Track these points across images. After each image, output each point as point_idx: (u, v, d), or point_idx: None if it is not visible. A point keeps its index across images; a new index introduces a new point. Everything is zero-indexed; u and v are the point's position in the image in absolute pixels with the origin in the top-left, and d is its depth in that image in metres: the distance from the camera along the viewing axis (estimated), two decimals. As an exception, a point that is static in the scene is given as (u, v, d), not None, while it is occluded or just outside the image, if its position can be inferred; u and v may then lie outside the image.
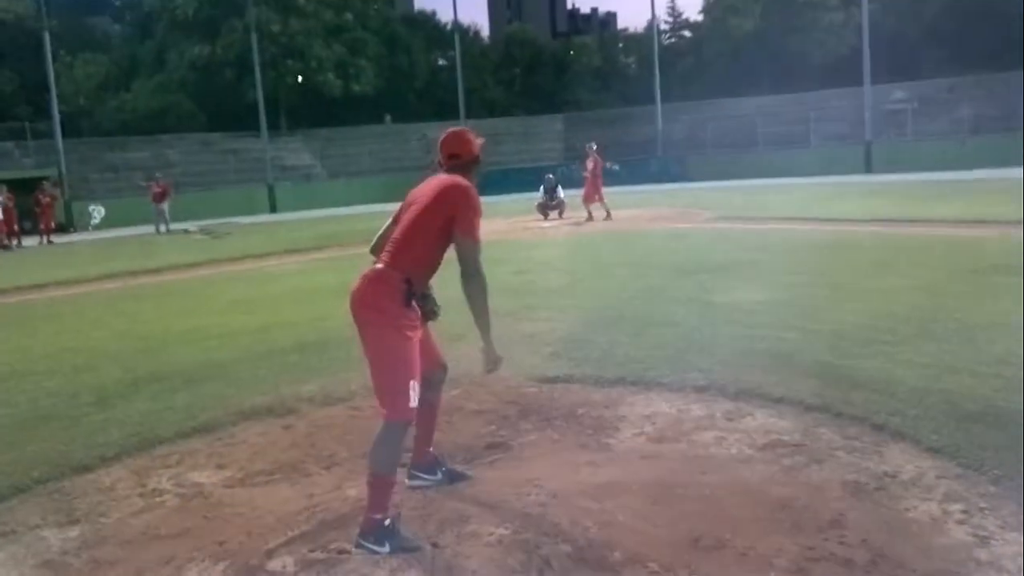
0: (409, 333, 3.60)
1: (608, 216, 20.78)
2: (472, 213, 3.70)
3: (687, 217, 20.51)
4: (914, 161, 34.87)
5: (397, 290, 3.58)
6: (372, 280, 3.64)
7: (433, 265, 3.76)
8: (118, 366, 7.51)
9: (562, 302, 9.43)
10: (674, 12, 70.64)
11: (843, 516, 3.61)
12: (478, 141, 4.02)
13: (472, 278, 3.68)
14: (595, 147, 21.67)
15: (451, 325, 7.28)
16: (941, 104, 40.46)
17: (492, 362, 3.90)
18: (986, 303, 7.84)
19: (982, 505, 3.65)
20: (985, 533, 3.40)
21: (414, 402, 3.57)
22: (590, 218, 20.93)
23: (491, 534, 3.61)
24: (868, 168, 37.56)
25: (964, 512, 3.60)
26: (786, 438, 4.62)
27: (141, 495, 4.41)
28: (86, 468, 4.81)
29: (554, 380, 6.09)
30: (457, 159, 3.95)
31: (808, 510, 3.69)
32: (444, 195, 3.74)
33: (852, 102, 41.33)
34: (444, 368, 4.18)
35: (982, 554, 3.24)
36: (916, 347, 6.33)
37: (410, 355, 3.59)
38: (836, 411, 4.94)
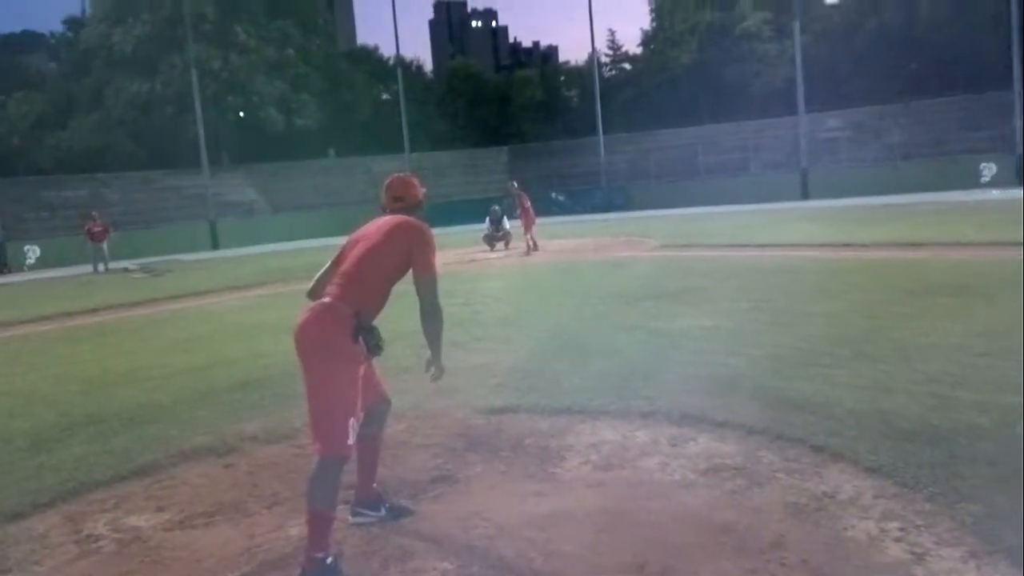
0: (354, 369, 3.58)
1: (530, 250, 21.12)
2: (428, 250, 3.78)
3: (631, 246, 20.73)
4: (849, 187, 35.80)
5: (346, 324, 3.56)
6: (321, 313, 3.62)
7: (382, 300, 3.79)
8: (53, 410, 7.31)
9: (508, 333, 9.44)
10: (614, 45, 71.63)
11: (784, 537, 3.65)
12: (422, 188, 4.15)
13: (431, 313, 3.75)
14: (516, 184, 23.05)
15: (397, 359, 7.31)
16: (872, 131, 41.71)
17: (437, 371, 3.95)
18: (922, 324, 8.03)
19: (918, 522, 3.72)
20: (921, 550, 3.47)
21: (351, 439, 3.54)
22: (535, 248, 21.12)
23: (435, 569, 3.58)
24: (805, 194, 38.45)
25: (901, 530, 3.66)
26: (728, 462, 4.67)
27: (76, 542, 4.28)
28: (18, 515, 4.67)
29: (501, 411, 6.08)
30: (401, 202, 4.04)
31: (750, 533, 3.73)
32: (399, 231, 3.79)
33: (788, 131, 42.41)
34: (387, 402, 4.16)
35: (919, 571, 3.30)
36: (853, 369, 6.46)
37: (351, 391, 3.57)
38: (777, 434, 5.01)
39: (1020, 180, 33.29)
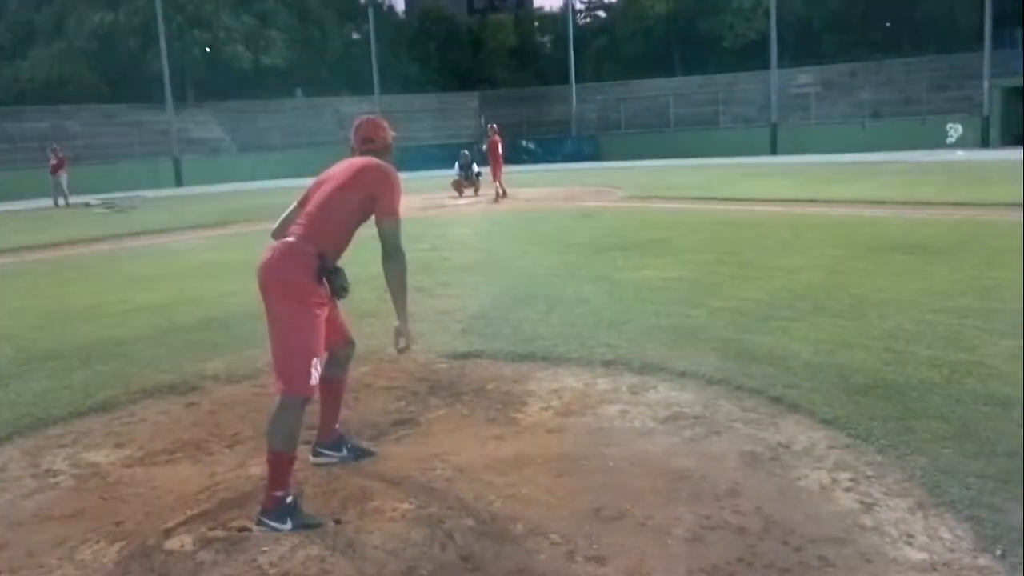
0: (317, 310, 3.57)
1: (499, 197, 21.07)
2: (394, 193, 3.74)
3: (600, 196, 20.75)
4: (817, 143, 36.07)
5: (309, 264, 3.54)
6: (284, 252, 3.59)
7: (346, 242, 3.75)
8: (11, 344, 7.22)
9: (474, 279, 9.44)
10: (590, -8, 70.85)
11: (739, 485, 3.73)
12: (392, 132, 4.11)
13: (392, 257, 3.70)
14: (496, 127, 22.84)
15: (361, 302, 7.30)
16: (843, 89, 41.86)
17: (405, 342, 3.90)
18: (881, 280, 8.15)
19: (869, 473, 3.81)
20: (871, 500, 3.55)
21: (314, 379, 3.54)
22: (504, 195, 21.06)
23: (395, 510, 3.61)
24: (774, 150, 38.66)
25: (852, 480, 3.75)
26: (687, 411, 4.73)
27: (34, 476, 4.26)
28: (-25, 450, 4.63)
29: (464, 356, 6.10)
30: (371, 143, 3.99)
31: (706, 480, 3.80)
32: (365, 173, 3.76)
33: (759, 85, 42.42)
34: (351, 344, 4.15)
35: (867, 520, 3.38)
36: (812, 323, 6.55)
37: (315, 332, 3.56)
38: (736, 384, 5.09)
39: (985, 141, 33.70)
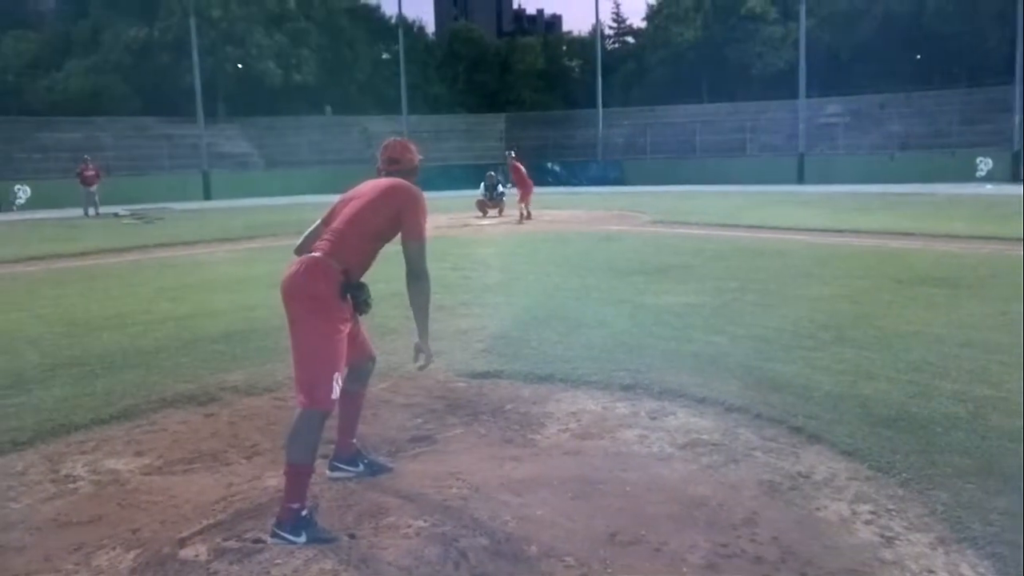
0: (340, 325, 3.59)
1: (523, 218, 21.11)
2: (420, 215, 3.78)
3: (624, 220, 20.73)
4: (844, 174, 35.86)
5: (334, 280, 3.57)
6: (310, 267, 3.62)
7: (371, 259, 3.79)
8: (36, 350, 7.30)
9: (496, 299, 9.45)
10: (618, 18, 71.23)
11: (756, 514, 3.69)
12: (419, 155, 4.12)
13: (418, 278, 3.75)
14: (512, 154, 23.24)
15: (384, 319, 7.33)
16: (872, 119, 41.68)
17: (425, 359, 3.92)
18: (907, 312, 8.07)
19: (890, 507, 3.76)
20: (891, 533, 3.50)
21: (335, 394, 3.56)
22: (528, 217, 21.12)
23: (409, 526, 3.60)
24: (800, 179, 38.49)
25: (872, 513, 3.70)
26: (706, 437, 4.70)
27: (53, 481, 4.29)
28: (-4, 452, 4.67)
29: (483, 376, 6.11)
30: (397, 164, 4.01)
31: (723, 508, 3.76)
32: (393, 194, 3.79)
33: (787, 114, 42.36)
34: (373, 360, 4.18)
35: (887, 554, 3.34)
36: (836, 353, 6.49)
37: (337, 347, 3.58)
38: (756, 413, 5.05)
39: (1016, 176, 33.39)
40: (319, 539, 3.45)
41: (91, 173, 28.32)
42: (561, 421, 5.08)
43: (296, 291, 3.60)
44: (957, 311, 8.05)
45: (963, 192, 27.84)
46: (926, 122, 39.54)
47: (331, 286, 3.57)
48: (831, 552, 3.34)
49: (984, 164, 35.20)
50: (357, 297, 3.66)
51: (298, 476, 3.54)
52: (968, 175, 34.32)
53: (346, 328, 3.64)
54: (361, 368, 4.07)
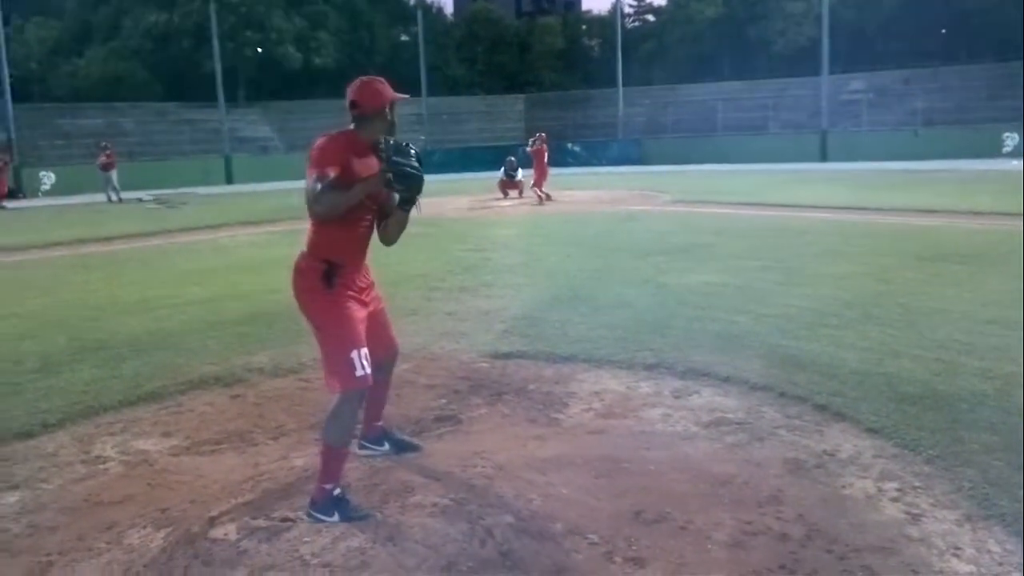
0: (343, 303, 3.57)
1: (543, 200, 21.06)
2: (313, 155, 3.45)
3: (645, 200, 20.64)
4: (868, 151, 35.46)
5: (315, 275, 3.56)
6: (295, 269, 3.65)
7: (344, 237, 3.59)
8: (64, 334, 7.39)
9: (518, 280, 9.45)
10: (639, -4, 70.58)
11: (781, 492, 3.68)
12: (389, 94, 3.70)
13: (313, 214, 3.49)
14: (544, 137, 22.88)
15: (404, 300, 7.35)
16: (896, 96, 41.14)
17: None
18: (932, 290, 8.01)
19: (916, 484, 3.75)
20: (917, 511, 3.49)
21: (360, 370, 3.52)
22: (548, 198, 21.06)
23: (435, 504, 3.63)
24: (823, 156, 38.12)
25: (898, 490, 3.69)
26: (730, 416, 4.69)
27: (84, 462, 4.35)
28: (28, 434, 4.75)
29: (507, 356, 6.11)
30: (355, 109, 3.67)
31: (748, 486, 3.76)
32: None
33: (810, 91, 41.88)
34: (395, 352, 4.13)
35: (913, 531, 3.33)
36: (860, 331, 6.45)
37: (347, 324, 3.55)
38: (780, 391, 5.03)
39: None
40: (352, 518, 3.48)
41: (104, 159, 28.41)
42: (584, 401, 5.08)
43: (294, 293, 3.66)
44: (982, 288, 7.98)
45: (989, 168, 27.46)
46: (951, 98, 38.96)
47: (313, 280, 3.55)
48: (857, 529, 3.34)
49: (1010, 140, 34.67)
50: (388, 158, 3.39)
51: (334, 458, 3.58)
52: (994, 151, 33.82)
53: (354, 305, 3.61)
54: (384, 361, 3.96)
